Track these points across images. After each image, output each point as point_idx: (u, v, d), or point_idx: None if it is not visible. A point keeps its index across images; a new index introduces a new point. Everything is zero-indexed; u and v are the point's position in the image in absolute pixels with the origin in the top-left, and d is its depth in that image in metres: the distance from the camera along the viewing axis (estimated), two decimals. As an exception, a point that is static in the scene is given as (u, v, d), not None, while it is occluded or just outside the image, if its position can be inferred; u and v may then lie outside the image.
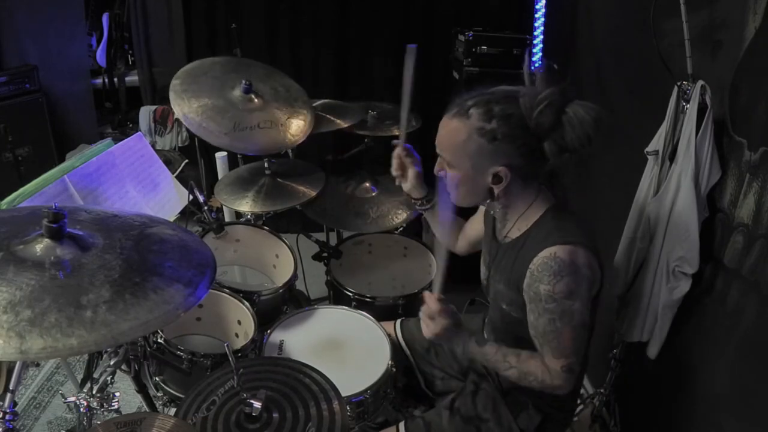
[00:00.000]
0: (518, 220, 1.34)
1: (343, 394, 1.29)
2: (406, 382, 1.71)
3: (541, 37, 2.64)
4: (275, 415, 1.18)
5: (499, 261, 1.40)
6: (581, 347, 1.28)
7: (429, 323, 1.31)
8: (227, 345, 1.22)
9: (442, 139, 1.31)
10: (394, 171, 1.65)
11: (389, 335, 1.69)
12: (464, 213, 1.73)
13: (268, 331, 1.67)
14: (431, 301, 1.31)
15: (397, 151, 1.62)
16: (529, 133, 1.21)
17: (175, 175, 2.08)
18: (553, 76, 1.23)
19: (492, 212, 1.43)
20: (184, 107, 1.87)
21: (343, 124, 2.21)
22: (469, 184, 1.30)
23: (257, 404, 1.15)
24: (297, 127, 1.98)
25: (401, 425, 1.46)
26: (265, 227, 2.06)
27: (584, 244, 1.23)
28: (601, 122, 1.20)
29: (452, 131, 1.27)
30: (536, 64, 2.64)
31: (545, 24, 2.63)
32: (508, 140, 1.22)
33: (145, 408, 1.57)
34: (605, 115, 1.21)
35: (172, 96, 1.89)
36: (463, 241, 1.72)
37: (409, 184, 1.65)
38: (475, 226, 1.66)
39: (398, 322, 1.77)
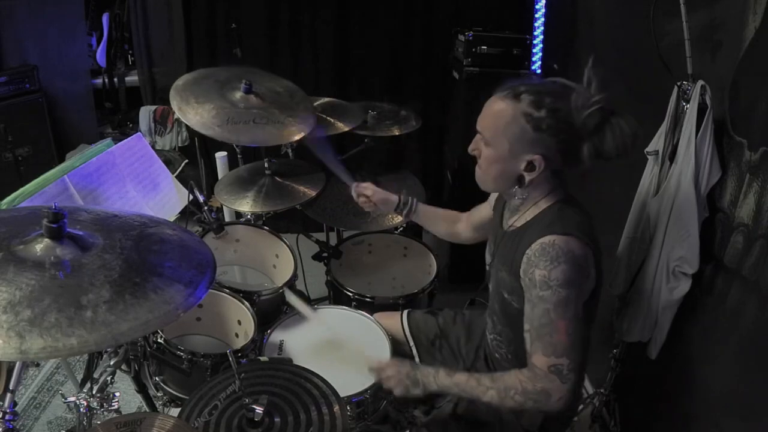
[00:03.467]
0: (528, 210, 1.36)
1: (343, 394, 1.29)
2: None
3: (541, 37, 2.64)
4: (276, 419, 1.18)
5: (502, 248, 1.41)
6: (576, 349, 1.23)
7: (387, 383, 1.37)
8: (230, 351, 1.22)
9: (486, 117, 1.32)
10: (366, 206, 1.79)
11: (392, 325, 1.71)
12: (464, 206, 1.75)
13: (268, 331, 1.67)
14: (372, 367, 1.41)
15: (356, 192, 1.78)
16: (573, 131, 1.24)
17: (175, 175, 2.08)
18: (605, 83, 1.25)
19: (510, 200, 1.43)
20: (184, 105, 1.87)
21: (344, 127, 2.21)
22: (502, 166, 1.31)
23: (259, 409, 1.15)
24: (296, 126, 1.98)
25: None
26: (265, 227, 2.06)
27: (584, 240, 1.24)
28: (638, 138, 1.24)
29: (499, 111, 1.28)
30: (536, 64, 2.65)
31: (545, 24, 2.63)
32: (551, 132, 1.24)
33: (145, 408, 1.58)
34: (642, 134, 1.25)
35: (172, 93, 1.89)
36: (468, 227, 1.74)
37: (380, 203, 1.76)
38: (481, 212, 1.67)
39: (405, 312, 1.77)
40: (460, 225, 1.76)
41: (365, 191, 1.77)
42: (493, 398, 1.27)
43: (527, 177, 1.30)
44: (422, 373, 1.35)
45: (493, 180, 1.36)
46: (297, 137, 1.95)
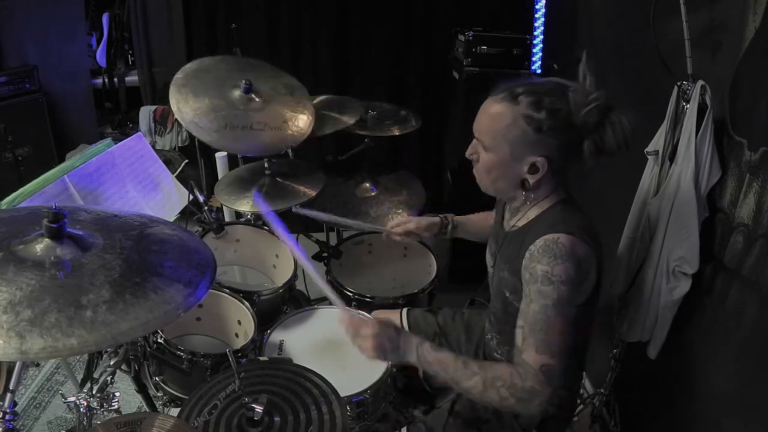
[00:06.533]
0: (530, 210, 1.35)
1: (343, 394, 1.28)
2: (406, 381, 1.71)
3: (541, 37, 2.64)
4: (276, 419, 1.18)
5: (504, 249, 1.40)
6: (566, 355, 1.19)
7: (360, 342, 1.27)
8: (230, 350, 1.22)
9: (483, 122, 1.30)
10: (411, 237, 1.76)
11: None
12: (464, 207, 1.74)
13: (268, 331, 1.67)
14: (345, 319, 1.29)
15: (396, 230, 1.75)
16: (574, 130, 1.23)
17: (175, 175, 2.07)
18: (601, 78, 1.24)
19: (511, 202, 1.42)
20: (182, 103, 1.87)
21: (347, 121, 2.20)
22: (503, 170, 1.30)
23: (259, 409, 1.15)
24: (295, 129, 1.97)
25: (404, 430, 1.46)
26: (265, 227, 2.06)
27: (587, 240, 1.23)
28: (636, 133, 1.24)
29: (497, 115, 1.27)
30: (536, 64, 2.65)
31: (545, 24, 2.63)
32: (552, 133, 1.23)
33: (145, 408, 1.58)
34: (637, 128, 1.24)
35: (172, 90, 1.88)
36: None
37: (426, 229, 1.75)
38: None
39: (404, 310, 1.77)
40: None
41: (408, 226, 1.73)
42: (477, 385, 1.20)
43: (531, 179, 1.28)
44: (405, 340, 1.27)
45: (493, 183, 1.34)
46: (299, 139, 1.95)
